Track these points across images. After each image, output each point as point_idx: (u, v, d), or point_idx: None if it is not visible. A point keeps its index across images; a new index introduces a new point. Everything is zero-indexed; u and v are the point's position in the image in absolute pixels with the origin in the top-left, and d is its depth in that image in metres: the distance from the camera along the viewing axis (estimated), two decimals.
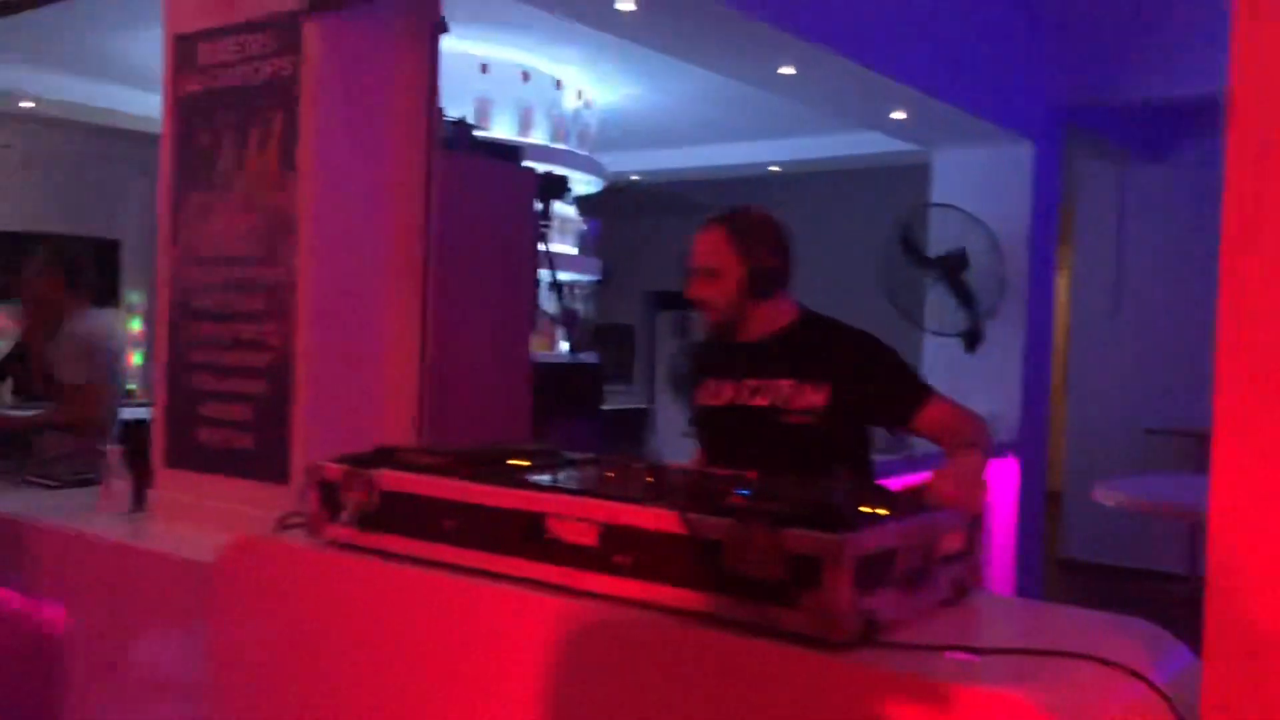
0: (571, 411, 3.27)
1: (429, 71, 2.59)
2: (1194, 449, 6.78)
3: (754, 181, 8.22)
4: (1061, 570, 7.07)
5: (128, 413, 4.02)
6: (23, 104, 6.49)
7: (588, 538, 1.65)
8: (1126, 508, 4.50)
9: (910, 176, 6.66)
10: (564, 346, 4.59)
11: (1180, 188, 7.01)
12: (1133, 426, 7.07)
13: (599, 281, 5.82)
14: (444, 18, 2.67)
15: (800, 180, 8.22)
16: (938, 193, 6.02)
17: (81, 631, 2.53)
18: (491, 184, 2.88)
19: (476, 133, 3.01)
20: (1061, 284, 7.81)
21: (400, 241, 2.58)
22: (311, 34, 2.45)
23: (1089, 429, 7.25)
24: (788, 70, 4.43)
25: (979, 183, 5.87)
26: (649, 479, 1.83)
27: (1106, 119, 6.38)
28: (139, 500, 2.72)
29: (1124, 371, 7.20)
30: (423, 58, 2.60)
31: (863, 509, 1.59)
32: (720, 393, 2.39)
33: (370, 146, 2.55)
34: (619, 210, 7.61)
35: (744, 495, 1.66)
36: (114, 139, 7.13)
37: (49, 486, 3.15)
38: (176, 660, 2.35)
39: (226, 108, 2.60)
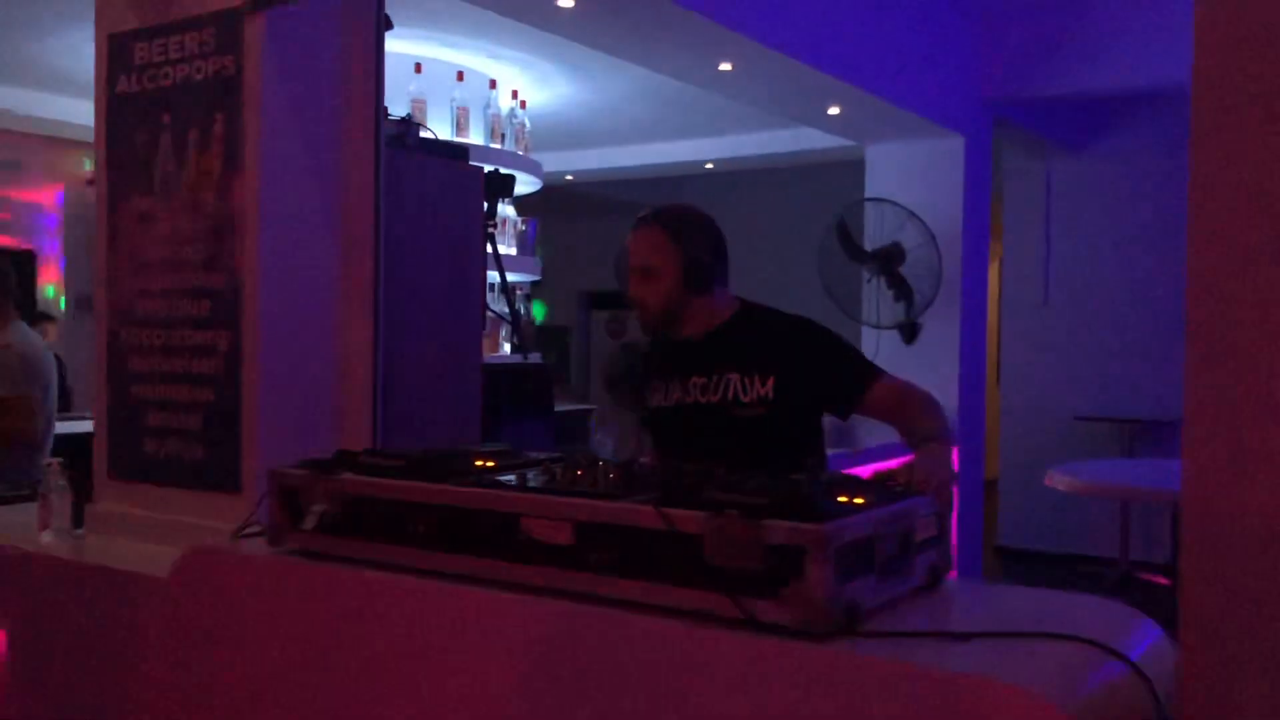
0: (523, 413, 3.24)
1: (374, 68, 2.55)
2: (1123, 435, 6.96)
3: (690, 179, 8.24)
4: (997, 557, 7.20)
5: (67, 426, 3.89)
6: None
7: (563, 536, 1.63)
8: (1080, 492, 4.59)
9: (845, 172, 6.73)
10: (506, 348, 4.55)
11: (1103, 179, 7.18)
12: (1064, 415, 7.22)
13: (536, 282, 5.78)
14: (387, 14, 2.63)
15: (736, 178, 8.26)
16: (872, 188, 6.09)
17: (24, 654, 2.43)
18: (439, 183, 2.84)
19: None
20: (992, 276, 7.96)
21: (349, 242, 2.53)
22: (253, 31, 2.39)
23: (1021, 418, 7.39)
24: (726, 67, 4.44)
25: (912, 177, 5.95)
26: (616, 476, 1.81)
27: (1031, 113, 6.51)
28: (80, 515, 2.63)
29: (1054, 361, 7.36)
30: (368, 54, 2.55)
31: (839, 498, 1.59)
32: (668, 392, 2.38)
33: (316, 145, 2.49)
34: (553, 210, 7.58)
35: (717, 487, 1.65)
36: (27, 145, 6.91)
37: None
38: (126, 678, 2.28)
39: (164, 108, 2.53)
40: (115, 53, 2.62)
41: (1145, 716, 1.42)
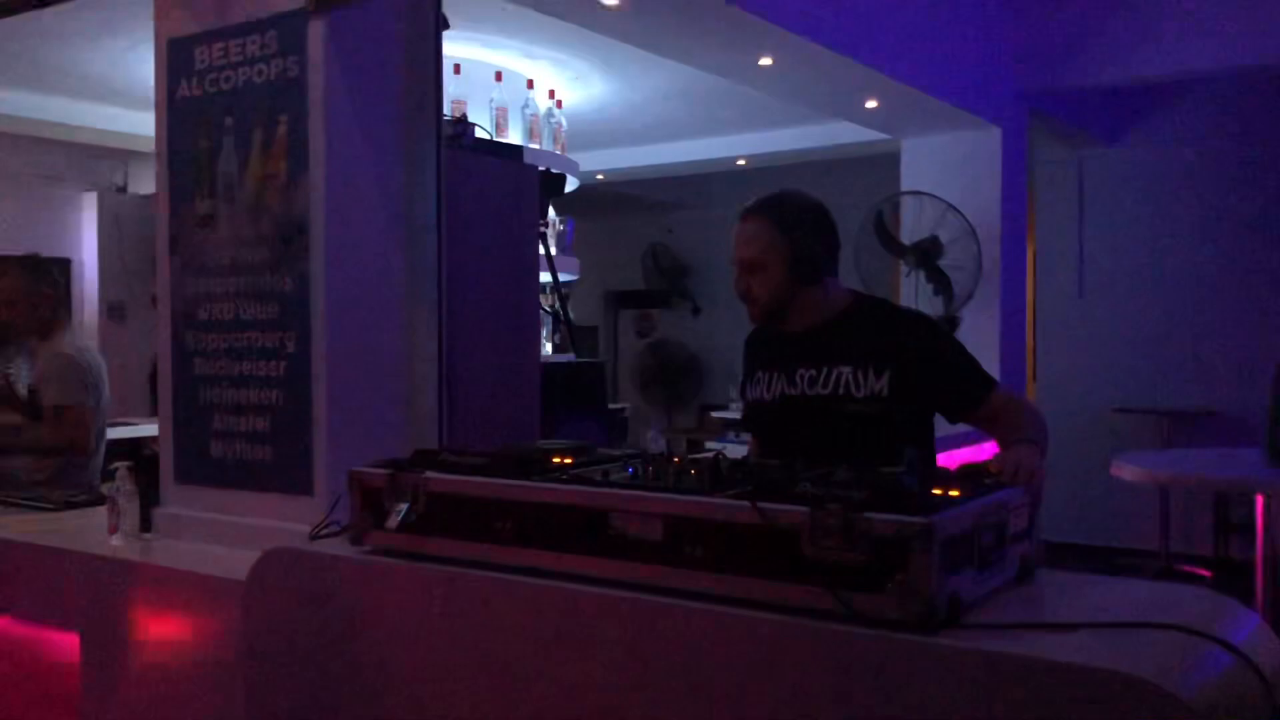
0: (577, 411, 3.24)
1: (434, 68, 2.55)
2: (1161, 427, 6.90)
3: (722, 176, 8.22)
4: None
5: (124, 432, 3.91)
6: None
7: (654, 532, 1.63)
8: (1149, 483, 4.53)
9: (879, 166, 6.71)
10: (548, 348, 4.55)
11: (1138, 170, 7.13)
12: (1101, 406, 7.17)
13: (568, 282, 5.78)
14: (445, 13, 2.63)
15: (769, 174, 8.23)
16: (907, 181, 6.07)
17: (98, 658, 2.45)
18: (497, 183, 2.83)
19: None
20: (1027, 268, 7.91)
21: (414, 242, 2.53)
22: (315, 32, 2.39)
23: (1058, 410, 7.31)
24: (767, 61, 4.43)
25: (948, 170, 5.92)
26: (698, 471, 1.81)
27: (1066, 103, 6.47)
28: (147, 519, 2.64)
29: (1090, 353, 7.31)
30: (427, 54, 2.55)
31: (936, 490, 1.58)
32: (771, 385, 2.34)
33: (379, 146, 2.49)
34: (582, 210, 7.58)
35: (812, 483, 1.65)
36: (61, 153, 6.95)
37: (42, 509, 3.06)
38: (201, 682, 2.29)
39: (226, 111, 2.54)
40: (175, 57, 2.63)
41: (1255, 703, 1.41)
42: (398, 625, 1.82)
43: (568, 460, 1.95)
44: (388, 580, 1.83)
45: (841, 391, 2.23)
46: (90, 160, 7.09)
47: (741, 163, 7.59)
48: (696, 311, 10.42)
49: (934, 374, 2.22)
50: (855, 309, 2.33)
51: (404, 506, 1.84)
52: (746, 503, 1.55)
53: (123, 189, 7.23)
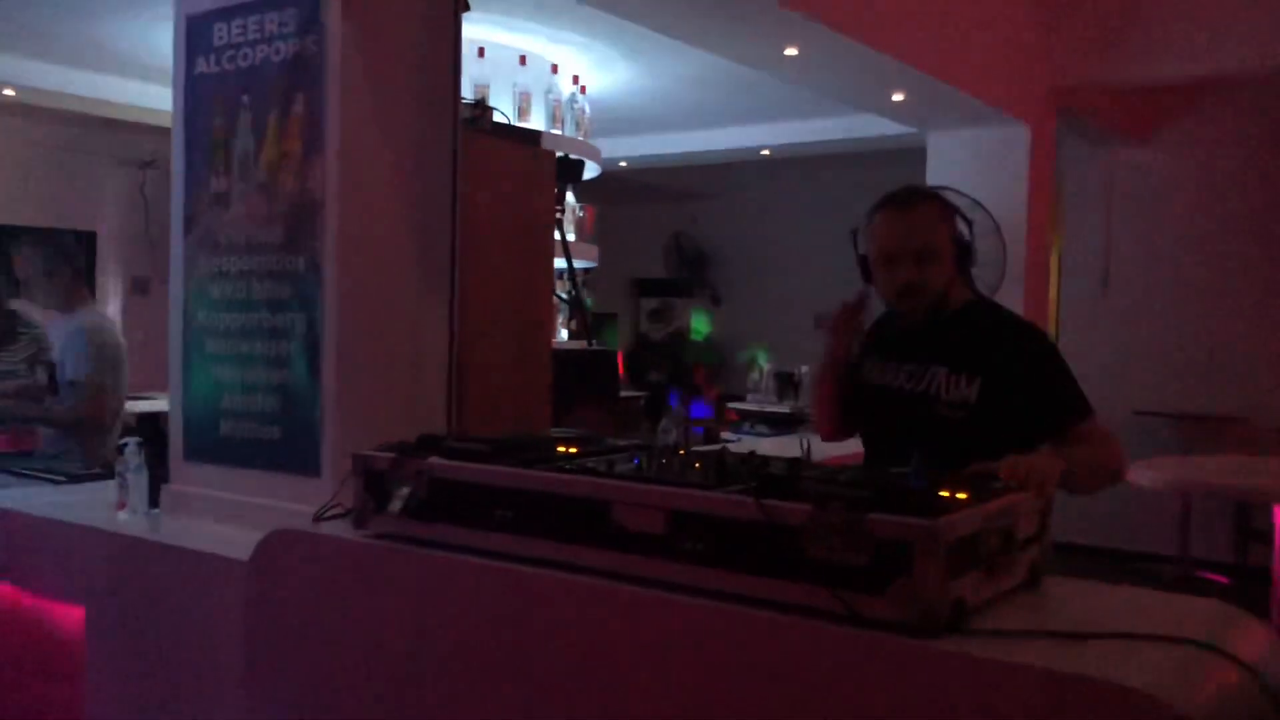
0: (589, 399, 3.22)
1: (452, 50, 2.53)
2: (1182, 431, 6.83)
3: (745, 166, 8.17)
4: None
5: (147, 406, 3.93)
6: (4, 92, 6.33)
7: (655, 524, 1.61)
8: (1166, 489, 4.48)
9: (903, 159, 6.64)
10: (563, 334, 4.53)
11: (1165, 170, 7.04)
12: (1121, 408, 7.10)
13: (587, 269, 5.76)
14: None
15: (792, 164, 8.18)
16: (932, 176, 6.00)
17: (103, 632, 2.45)
18: (514, 167, 2.81)
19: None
20: (1051, 266, 7.83)
21: (427, 225, 2.52)
22: (334, 11, 2.38)
23: None
24: (792, 51, 4.38)
25: (974, 165, 5.86)
26: (703, 465, 1.79)
27: (1094, 101, 6.38)
28: (156, 495, 2.65)
29: (1112, 353, 7.23)
30: (445, 36, 2.53)
31: (944, 492, 1.56)
32: (883, 371, 2.28)
33: (395, 127, 2.48)
34: (605, 197, 7.55)
35: (816, 480, 1.62)
36: (88, 128, 6.98)
37: (55, 482, 3.07)
38: (204, 659, 2.29)
39: (243, 89, 2.53)
40: (194, 34, 2.62)
41: None
42: (398, 610, 1.81)
43: (573, 450, 1.93)
44: (388, 565, 1.82)
45: (934, 392, 2.17)
46: (118, 135, 7.11)
47: (765, 153, 7.54)
48: (717, 301, 10.38)
49: (1025, 389, 2.13)
50: (970, 310, 2.25)
51: (407, 491, 1.83)
52: (749, 498, 1.53)
53: (150, 163, 7.25)
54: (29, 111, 6.71)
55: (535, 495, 1.71)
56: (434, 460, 1.83)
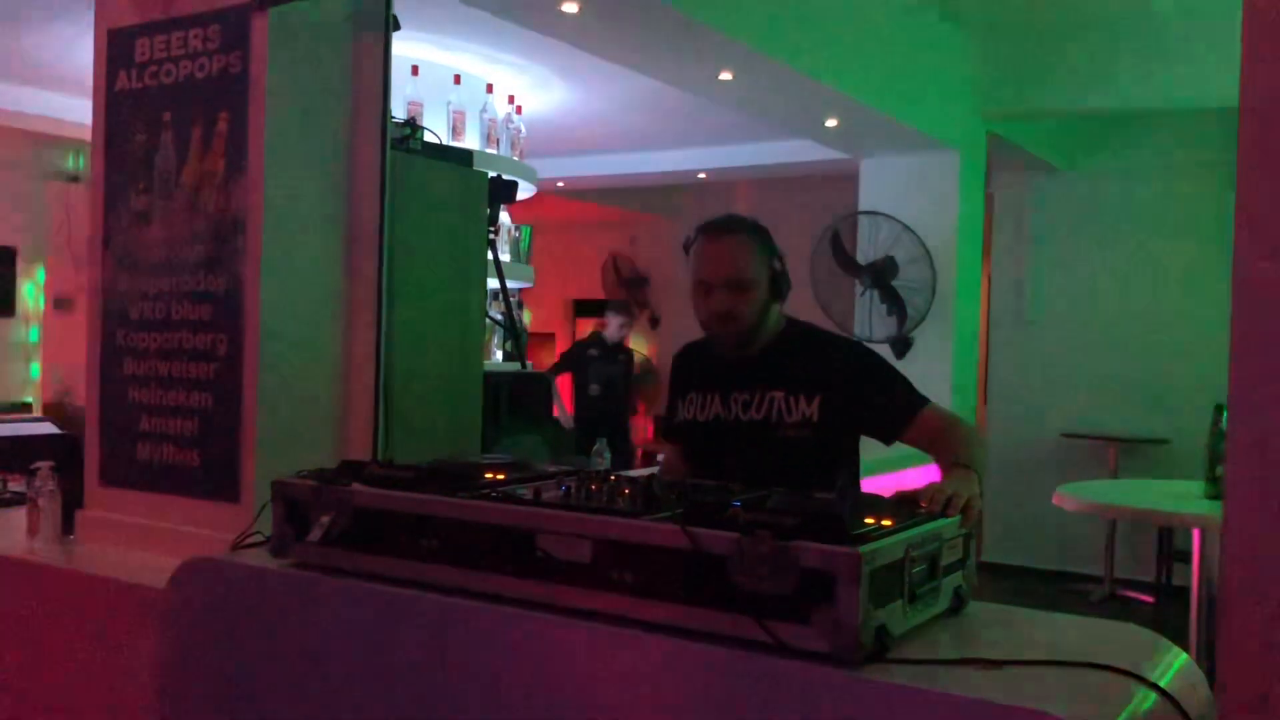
0: (522, 423, 3.19)
1: (382, 69, 2.50)
2: (1108, 453, 6.96)
3: (683, 189, 8.21)
4: (982, 573, 7.17)
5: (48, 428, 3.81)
6: None
7: (581, 553, 1.59)
8: (1093, 513, 4.54)
9: (837, 185, 6.72)
10: (498, 355, 4.50)
11: (1089, 198, 7.19)
12: (1049, 431, 7.22)
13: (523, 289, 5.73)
14: (395, 14, 2.58)
15: (729, 188, 8.24)
16: (865, 200, 6.08)
17: (13, 664, 2.36)
18: (444, 187, 2.78)
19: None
20: (980, 291, 7.96)
21: (353, 245, 2.48)
22: (260, 29, 2.33)
23: (1007, 434, 7.37)
24: (726, 75, 4.41)
25: (906, 191, 5.94)
26: (633, 492, 1.77)
27: (1022, 129, 6.51)
28: (70, 521, 2.56)
29: (1040, 378, 7.36)
30: (375, 54, 2.50)
31: (868, 519, 1.55)
32: (706, 406, 2.31)
33: (321, 147, 2.44)
34: (543, 218, 7.53)
35: (744, 507, 1.61)
36: (9, 141, 6.80)
37: None
38: (118, 693, 2.21)
39: (166, 106, 2.47)
40: (115, 48, 2.56)
41: None
42: (315, 641, 1.76)
43: (500, 476, 1.90)
44: (305, 595, 1.78)
45: (774, 417, 2.21)
46: (42, 149, 6.94)
47: (702, 176, 7.59)
48: (655, 322, 10.39)
49: (860, 396, 2.21)
50: (790, 334, 2.31)
51: (327, 519, 1.79)
52: (676, 526, 1.51)
53: (75, 178, 7.09)
54: None
55: (460, 524, 1.68)
56: (356, 487, 1.79)
